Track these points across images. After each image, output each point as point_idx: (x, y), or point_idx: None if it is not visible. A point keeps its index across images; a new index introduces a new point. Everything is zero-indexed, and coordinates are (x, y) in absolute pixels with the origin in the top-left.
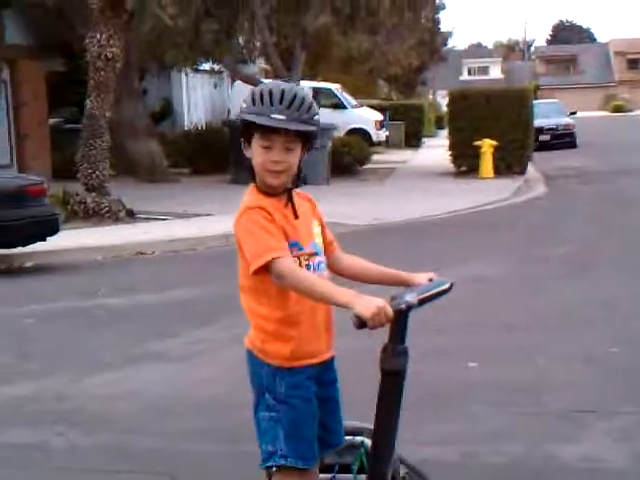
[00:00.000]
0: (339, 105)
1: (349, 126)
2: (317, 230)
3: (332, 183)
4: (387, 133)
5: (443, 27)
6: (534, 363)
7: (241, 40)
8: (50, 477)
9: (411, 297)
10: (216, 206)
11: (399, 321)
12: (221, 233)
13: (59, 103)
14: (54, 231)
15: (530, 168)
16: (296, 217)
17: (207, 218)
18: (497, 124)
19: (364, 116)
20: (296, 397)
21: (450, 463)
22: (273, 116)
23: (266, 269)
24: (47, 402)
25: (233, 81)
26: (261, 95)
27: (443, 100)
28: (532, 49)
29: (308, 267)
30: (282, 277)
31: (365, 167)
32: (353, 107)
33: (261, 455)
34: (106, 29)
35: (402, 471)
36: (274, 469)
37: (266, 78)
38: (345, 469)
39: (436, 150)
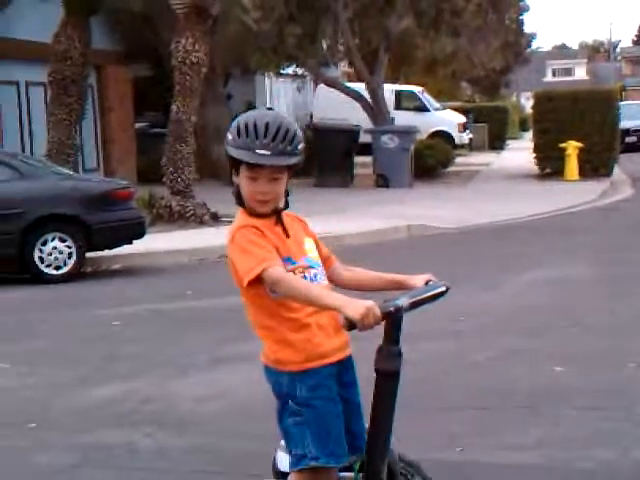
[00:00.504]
0: (422, 108)
1: (432, 129)
2: (309, 246)
3: (415, 186)
4: (470, 135)
5: (527, 28)
6: (623, 367)
7: (324, 44)
8: (139, 478)
9: (402, 300)
10: (300, 209)
11: (392, 323)
12: None
13: (144, 107)
14: (140, 234)
15: (616, 170)
16: (287, 236)
17: None
18: (583, 126)
19: (447, 119)
20: (317, 398)
21: (540, 467)
22: (258, 151)
23: (259, 281)
24: (135, 404)
25: (316, 85)
26: (246, 128)
27: (527, 102)
28: (618, 50)
29: (305, 278)
30: (274, 284)
31: (448, 170)
32: (436, 110)
33: (290, 459)
34: (191, 34)
35: (403, 470)
36: (298, 470)
37: (349, 81)
38: (347, 468)
39: (520, 152)
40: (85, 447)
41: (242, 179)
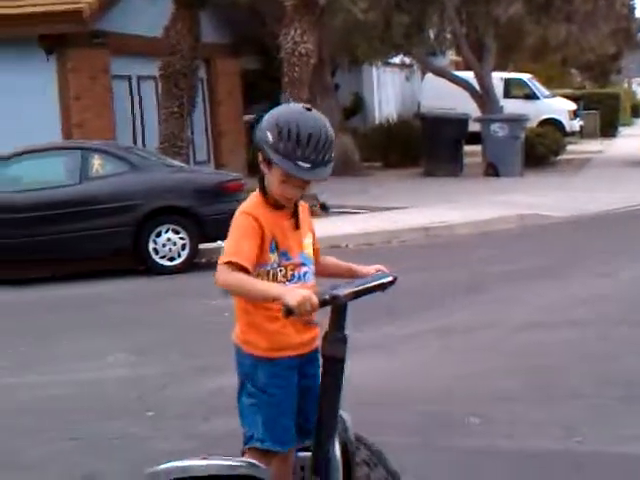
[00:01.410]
0: (531, 95)
1: (542, 117)
2: (309, 241)
3: (525, 175)
4: (581, 123)
5: (638, 14)
6: None
7: (432, 32)
8: None
9: (341, 289)
10: (410, 199)
11: (336, 311)
12: (417, 226)
13: (253, 100)
14: None
15: None
16: (297, 228)
17: (401, 211)
18: None
19: (557, 106)
20: (274, 386)
21: None
22: (299, 164)
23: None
24: None
25: (424, 74)
26: (288, 134)
27: (638, 88)
28: None
29: (293, 277)
30: (217, 279)
31: (559, 158)
32: (545, 97)
33: (243, 437)
34: (300, 25)
35: (362, 453)
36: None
37: (457, 70)
38: (306, 448)
39: (633, 139)
40: (204, 435)
41: (273, 176)
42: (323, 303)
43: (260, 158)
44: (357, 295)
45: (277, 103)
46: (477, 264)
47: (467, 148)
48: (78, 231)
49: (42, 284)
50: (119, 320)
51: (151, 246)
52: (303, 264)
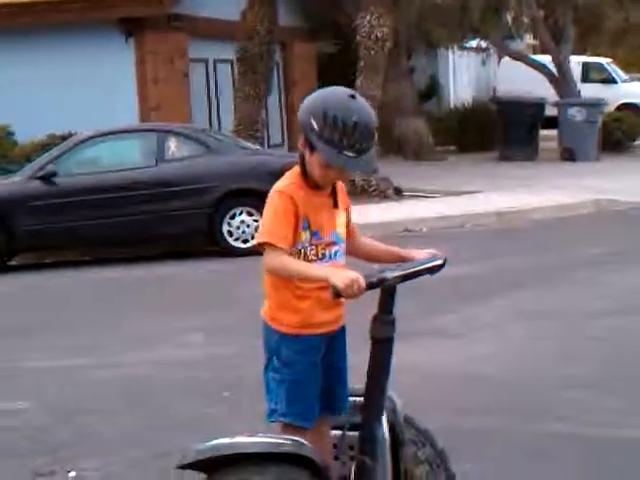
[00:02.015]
0: (609, 79)
1: (620, 101)
2: (342, 220)
3: (602, 159)
4: None
5: None
6: None
7: (509, 16)
8: None
9: (389, 273)
10: (484, 183)
11: (384, 294)
12: (491, 210)
13: (328, 83)
14: None
15: None
16: (336, 207)
17: (475, 195)
18: None
19: (635, 90)
20: (299, 362)
21: None
22: (345, 153)
23: (261, 248)
24: None
25: (500, 58)
26: (334, 122)
27: None
28: None
29: (324, 255)
30: (265, 261)
31: (637, 143)
32: (624, 81)
33: (266, 411)
34: (376, 9)
35: (410, 432)
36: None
37: (534, 54)
38: (355, 428)
39: None
40: None
41: (315, 159)
42: (370, 285)
43: (301, 140)
44: (406, 278)
45: (350, 87)
46: (553, 249)
47: (543, 132)
48: (154, 213)
49: (119, 264)
50: (194, 301)
51: (225, 228)
52: (335, 243)
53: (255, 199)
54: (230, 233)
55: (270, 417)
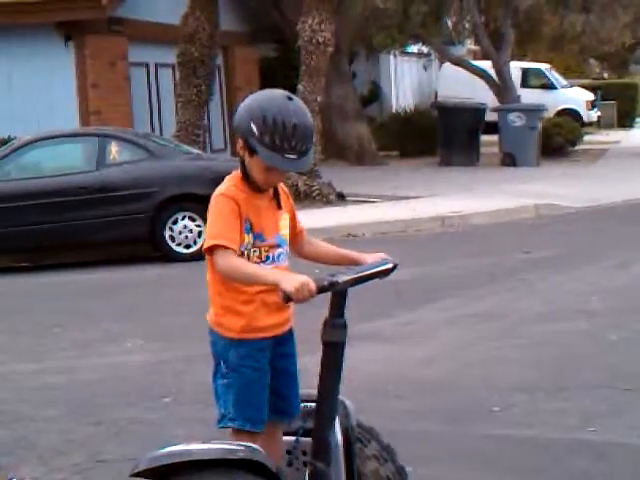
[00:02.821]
0: (549, 85)
1: (559, 107)
2: (285, 222)
3: (543, 164)
4: (599, 113)
5: None
6: None
7: (449, 22)
8: None
9: (340, 276)
10: (426, 188)
11: (335, 298)
12: (433, 215)
13: (270, 87)
14: None
15: None
16: (279, 208)
17: (417, 200)
18: None
19: (575, 96)
20: (245, 366)
21: None
22: (287, 156)
23: (211, 253)
24: None
25: (441, 63)
26: (274, 126)
27: None
28: None
29: (268, 258)
30: (217, 264)
31: (576, 148)
32: (563, 87)
33: (217, 417)
34: (318, 14)
35: (373, 448)
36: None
37: (474, 59)
38: (308, 433)
39: None
40: None
41: (255, 162)
42: (321, 289)
43: (240, 144)
44: (357, 282)
45: (293, 91)
46: (493, 253)
47: (484, 138)
48: (95, 218)
49: (58, 270)
50: (136, 306)
51: (167, 233)
52: (278, 245)
53: (197, 204)
54: (172, 238)
55: (220, 423)
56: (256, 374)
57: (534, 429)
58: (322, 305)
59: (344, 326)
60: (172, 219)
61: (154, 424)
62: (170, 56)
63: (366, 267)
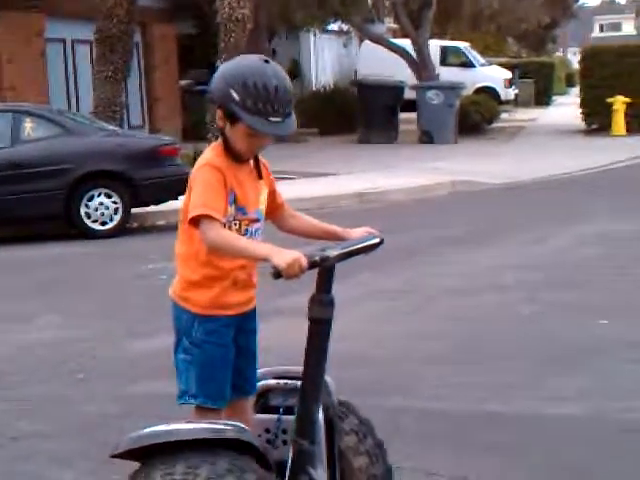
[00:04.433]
0: (467, 64)
1: (477, 84)
2: (264, 196)
3: (460, 142)
4: (516, 91)
5: None
6: None
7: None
8: None
9: (330, 251)
10: (345, 165)
11: (323, 273)
12: (351, 192)
13: (189, 65)
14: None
15: None
16: (260, 178)
17: (336, 177)
18: (630, 81)
19: (493, 74)
20: (210, 343)
21: (583, 418)
22: (271, 119)
23: (196, 224)
24: None
25: (361, 41)
26: (256, 90)
27: (574, 57)
28: None
29: (247, 232)
30: (205, 235)
31: (494, 125)
32: (482, 65)
33: (177, 393)
34: None
35: (351, 422)
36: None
37: (394, 38)
38: (290, 411)
39: (567, 108)
40: (132, 397)
41: (237, 131)
42: (313, 265)
43: (219, 114)
44: (345, 257)
45: (213, 68)
46: (410, 229)
47: (403, 115)
48: (9, 195)
49: None
50: (50, 284)
51: (83, 210)
52: (257, 220)
53: (113, 181)
54: (88, 215)
55: (180, 399)
56: (220, 350)
57: (445, 401)
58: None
59: (331, 303)
60: (88, 196)
61: (67, 401)
62: (87, 32)
63: (354, 242)
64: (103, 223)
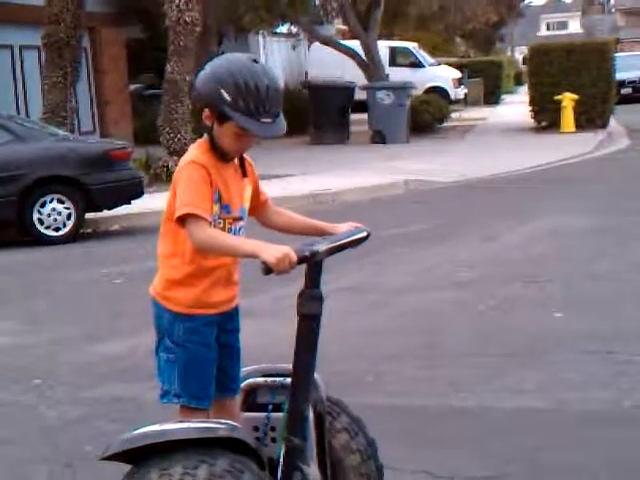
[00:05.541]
0: (417, 64)
1: (427, 84)
2: (248, 194)
3: (412, 141)
4: (465, 90)
5: None
6: (622, 311)
7: (317, 1)
8: None
9: (319, 245)
10: (297, 166)
11: (312, 268)
12: (305, 193)
13: (139, 69)
14: (139, 194)
15: (612, 122)
16: (245, 176)
17: (288, 179)
18: (578, 78)
19: (442, 74)
20: (192, 342)
21: (543, 410)
22: (263, 120)
23: (182, 222)
24: (140, 358)
25: (310, 43)
26: (247, 90)
27: (521, 56)
28: (612, 2)
29: (230, 230)
30: (192, 234)
31: (444, 125)
32: (431, 65)
33: (160, 392)
34: None
35: (343, 420)
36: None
37: (343, 39)
38: (278, 408)
39: (516, 106)
40: (92, 401)
41: (226, 130)
42: (302, 260)
43: (206, 113)
44: (334, 251)
45: (162, 73)
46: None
47: (354, 116)
48: None
49: None
50: (5, 291)
51: (36, 216)
52: (241, 218)
53: (65, 186)
54: (41, 221)
55: (163, 398)
56: (203, 350)
57: (405, 397)
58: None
59: (320, 298)
60: (40, 202)
61: (25, 406)
62: (35, 38)
63: (341, 236)
64: (56, 229)
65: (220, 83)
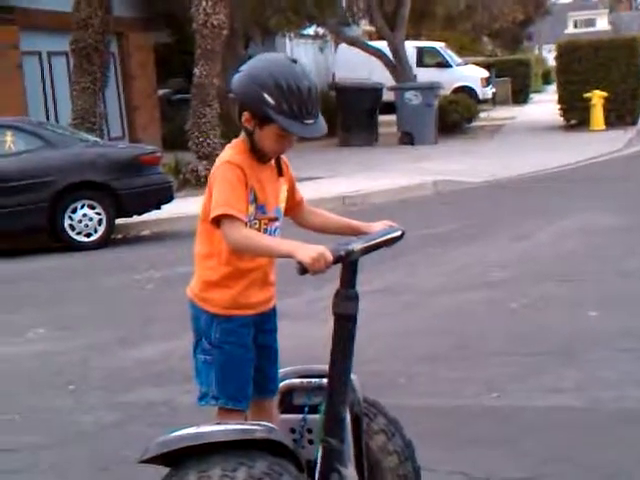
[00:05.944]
0: (444, 64)
1: (455, 84)
2: (283, 195)
3: (440, 142)
4: (493, 90)
5: None
6: None
7: (344, 2)
8: None
9: (354, 245)
10: (326, 169)
11: (347, 267)
12: (334, 195)
13: (167, 74)
14: (169, 199)
15: None
16: (281, 175)
17: (317, 181)
18: (607, 75)
19: (469, 74)
20: (229, 343)
21: (577, 409)
22: (306, 122)
23: (217, 223)
24: (174, 362)
25: (337, 44)
26: (290, 92)
27: (549, 55)
28: None
29: (266, 231)
30: (228, 235)
31: (473, 125)
32: (458, 65)
33: (198, 394)
34: None
35: (380, 422)
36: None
37: (370, 40)
38: (314, 410)
39: (544, 105)
40: (127, 406)
41: (268, 132)
42: (338, 259)
43: (246, 116)
44: (369, 250)
45: (190, 77)
46: None
47: (382, 118)
48: None
49: None
50: (38, 297)
51: (67, 222)
52: (277, 219)
53: (96, 192)
54: (72, 227)
55: (201, 400)
56: (240, 350)
57: (439, 397)
58: None
59: (356, 297)
60: (71, 208)
61: (60, 411)
62: (63, 44)
63: (376, 235)
64: (88, 235)
65: (261, 86)
